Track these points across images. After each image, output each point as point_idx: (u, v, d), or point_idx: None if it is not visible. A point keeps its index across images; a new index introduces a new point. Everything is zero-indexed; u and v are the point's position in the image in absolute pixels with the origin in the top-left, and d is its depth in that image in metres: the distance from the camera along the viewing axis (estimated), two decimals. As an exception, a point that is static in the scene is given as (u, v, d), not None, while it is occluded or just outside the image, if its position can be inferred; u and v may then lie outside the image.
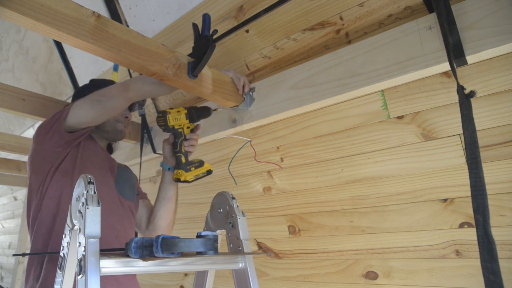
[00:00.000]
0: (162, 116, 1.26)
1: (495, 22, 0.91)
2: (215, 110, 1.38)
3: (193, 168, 1.29)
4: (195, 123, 1.36)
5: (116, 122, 1.42)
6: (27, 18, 0.81)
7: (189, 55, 1.15)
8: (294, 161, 1.46)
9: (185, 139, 1.31)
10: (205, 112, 1.35)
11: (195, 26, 1.15)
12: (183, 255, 0.77)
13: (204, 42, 1.10)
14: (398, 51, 1.07)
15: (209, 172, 1.34)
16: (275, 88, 1.36)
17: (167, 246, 0.71)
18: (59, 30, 0.86)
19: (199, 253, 0.80)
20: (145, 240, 0.73)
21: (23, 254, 1.03)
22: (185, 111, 1.30)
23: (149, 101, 1.97)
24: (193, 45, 1.15)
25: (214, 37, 1.11)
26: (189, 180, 1.28)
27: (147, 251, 0.73)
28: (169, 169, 1.37)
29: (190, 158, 1.34)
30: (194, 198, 1.93)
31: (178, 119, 1.28)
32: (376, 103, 1.23)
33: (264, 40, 1.45)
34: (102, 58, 1.03)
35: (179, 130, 1.30)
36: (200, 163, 1.33)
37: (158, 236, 0.72)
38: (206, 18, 1.13)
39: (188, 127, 1.33)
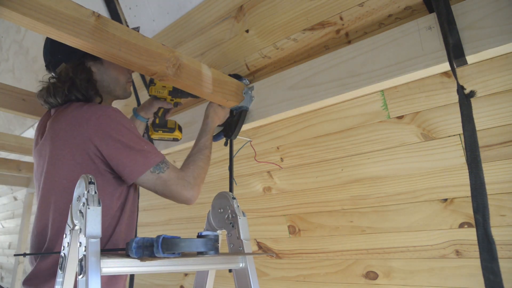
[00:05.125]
0: (149, 83, 1.42)
1: (495, 22, 0.91)
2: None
3: (161, 131, 1.44)
4: (178, 99, 1.46)
5: (126, 84, 1.29)
6: (27, 18, 0.81)
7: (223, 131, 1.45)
8: (294, 161, 1.46)
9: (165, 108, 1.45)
10: (190, 95, 1.43)
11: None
12: (183, 255, 0.77)
13: (236, 115, 1.43)
14: (398, 51, 1.07)
15: (175, 139, 1.47)
16: (275, 88, 1.36)
17: (167, 246, 0.71)
18: (59, 30, 0.86)
19: (199, 253, 0.80)
20: (146, 240, 0.73)
21: (24, 254, 1.03)
22: (170, 89, 1.42)
23: (149, 101, 1.97)
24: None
25: None
26: (152, 138, 1.45)
27: (147, 251, 0.73)
28: (137, 116, 1.49)
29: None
30: (194, 198, 1.93)
31: (160, 92, 1.42)
32: (376, 103, 1.23)
33: (264, 40, 1.45)
34: (102, 58, 1.03)
35: (161, 99, 1.44)
36: (171, 130, 1.44)
37: (158, 236, 0.71)
38: None
39: (171, 100, 1.45)
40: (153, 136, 1.44)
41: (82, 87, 1.12)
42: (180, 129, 1.47)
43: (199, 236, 0.81)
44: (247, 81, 1.47)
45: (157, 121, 1.43)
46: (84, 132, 1.01)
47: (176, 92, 1.42)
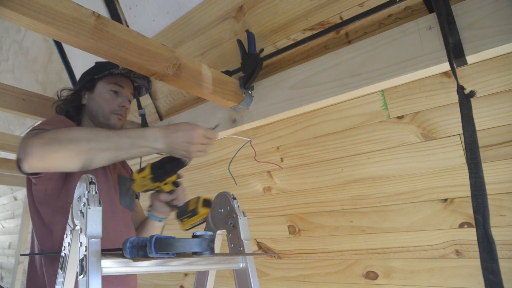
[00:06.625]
0: (131, 183, 1.16)
1: (495, 22, 0.91)
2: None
3: (186, 219, 1.18)
4: (167, 179, 1.17)
5: (111, 114, 1.29)
6: (27, 18, 0.81)
7: (242, 71, 1.39)
8: (294, 161, 1.46)
9: (169, 195, 1.20)
10: (174, 164, 1.12)
11: (240, 43, 1.40)
12: (180, 255, 0.77)
13: (252, 60, 1.36)
14: (398, 51, 1.07)
15: (204, 219, 1.15)
16: (275, 88, 1.36)
17: (161, 246, 0.70)
18: (59, 30, 0.86)
19: (194, 253, 0.80)
20: (141, 240, 0.72)
21: (30, 254, 1.04)
22: (150, 175, 1.11)
23: (148, 101, 1.97)
24: (241, 61, 1.40)
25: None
26: (186, 230, 1.19)
27: (142, 251, 0.72)
28: (154, 218, 1.33)
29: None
30: (194, 198, 1.93)
31: (145, 185, 1.14)
32: (376, 103, 1.23)
33: (264, 40, 1.45)
34: (102, 58, 1.03)
35: (157, 189, 1.19)
36: (193, 212, 1.16)
37: (152, 236, 0.71)
38: (251, 37, 1.37)
39: (165, 184, 1.17)
40: (184, 228, 1.19)
41: (69, 109, 1.35)
42: (205, 203, 1.14)
43: (194, 236, 0.81)
44: None
45: (177, 211, 1.20)
46: None
47: (156, 172, 1.11)
